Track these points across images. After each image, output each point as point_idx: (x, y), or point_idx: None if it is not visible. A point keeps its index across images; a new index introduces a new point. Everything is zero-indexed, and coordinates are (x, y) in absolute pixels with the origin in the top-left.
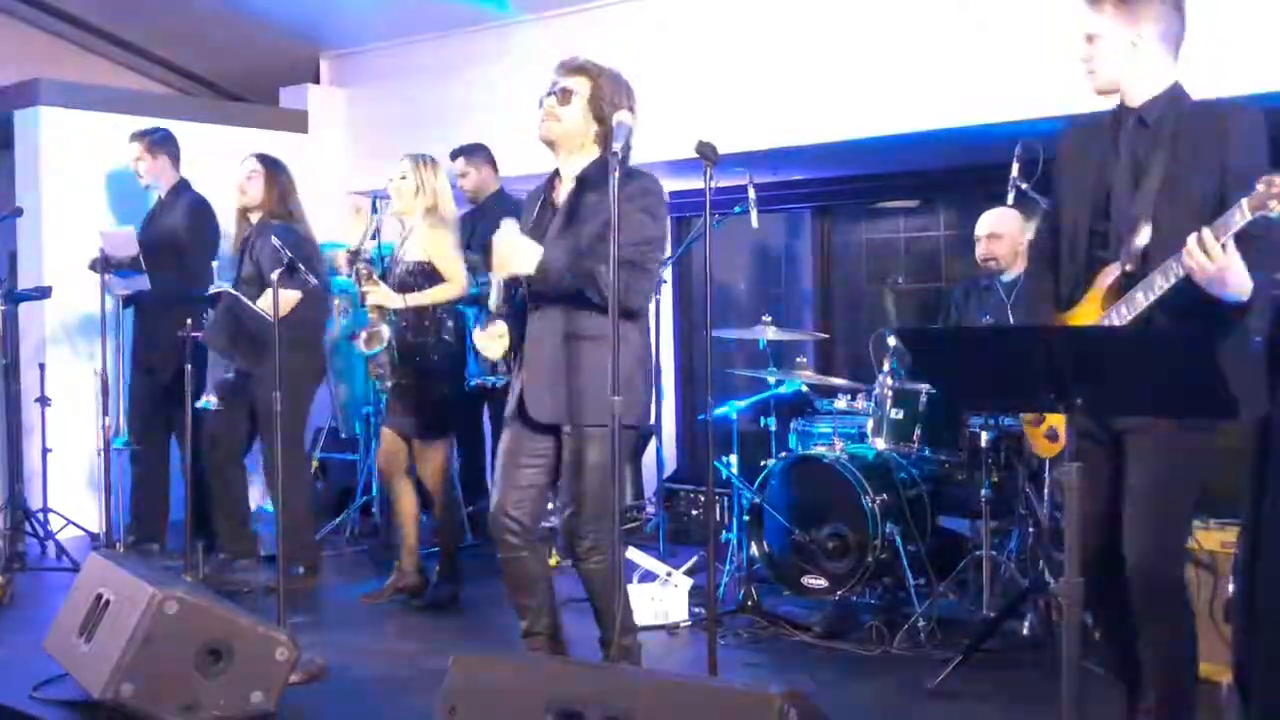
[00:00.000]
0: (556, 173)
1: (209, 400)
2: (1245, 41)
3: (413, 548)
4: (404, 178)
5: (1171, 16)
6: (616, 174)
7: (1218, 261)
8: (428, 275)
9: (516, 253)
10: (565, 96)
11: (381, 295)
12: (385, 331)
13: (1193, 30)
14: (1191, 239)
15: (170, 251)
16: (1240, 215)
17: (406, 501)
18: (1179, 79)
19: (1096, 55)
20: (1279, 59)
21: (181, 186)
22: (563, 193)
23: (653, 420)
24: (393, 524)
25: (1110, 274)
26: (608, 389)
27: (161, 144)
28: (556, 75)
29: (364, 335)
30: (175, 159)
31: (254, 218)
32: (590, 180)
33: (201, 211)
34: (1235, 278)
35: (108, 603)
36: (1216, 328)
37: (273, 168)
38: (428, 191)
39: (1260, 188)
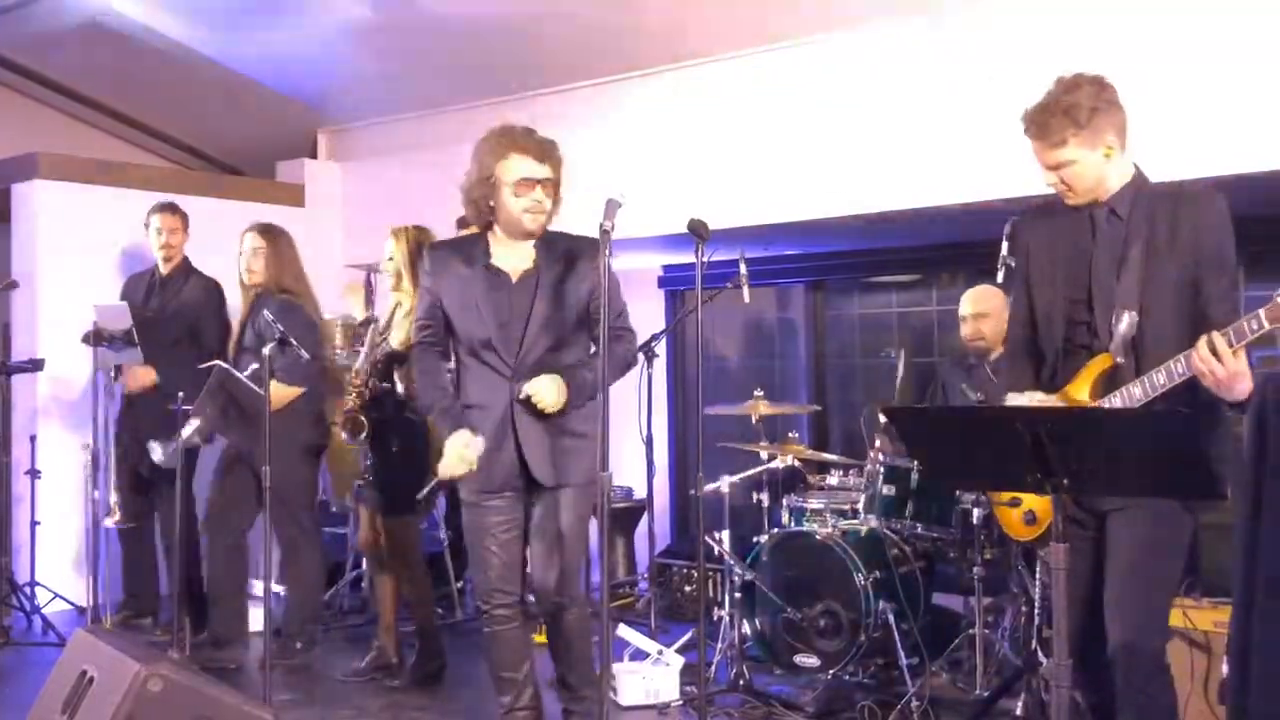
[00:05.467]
0: (486, 236)
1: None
2: (1203, 125)
3: (389, 625)
4: (390, 258)
5: (1121, 113)
6: (609, 251)
7: (1229, 367)
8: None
9: (558, 398)
10: (553, 190)
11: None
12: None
13: (1154, 114)
14: (1202, 344)
15: (187, 329)
16: (1257, 325)
17: (379, 582)
18: (1135, 161)
19: (1071, 178)
20: (1233, 143)
21: (189, 265)
22: (513, 261)
23: (645, 494)
24: (372, 602)
25: (1101, 364)
26: (590, 449)
27: (187, 223)
28: (536, 162)
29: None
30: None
31: (256, 290)
32: (555, 252)
33: (217, 291)
34: (1243, 382)
35: (91, 679)
36: (1200, 409)
37: (274, 241)
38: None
39: None
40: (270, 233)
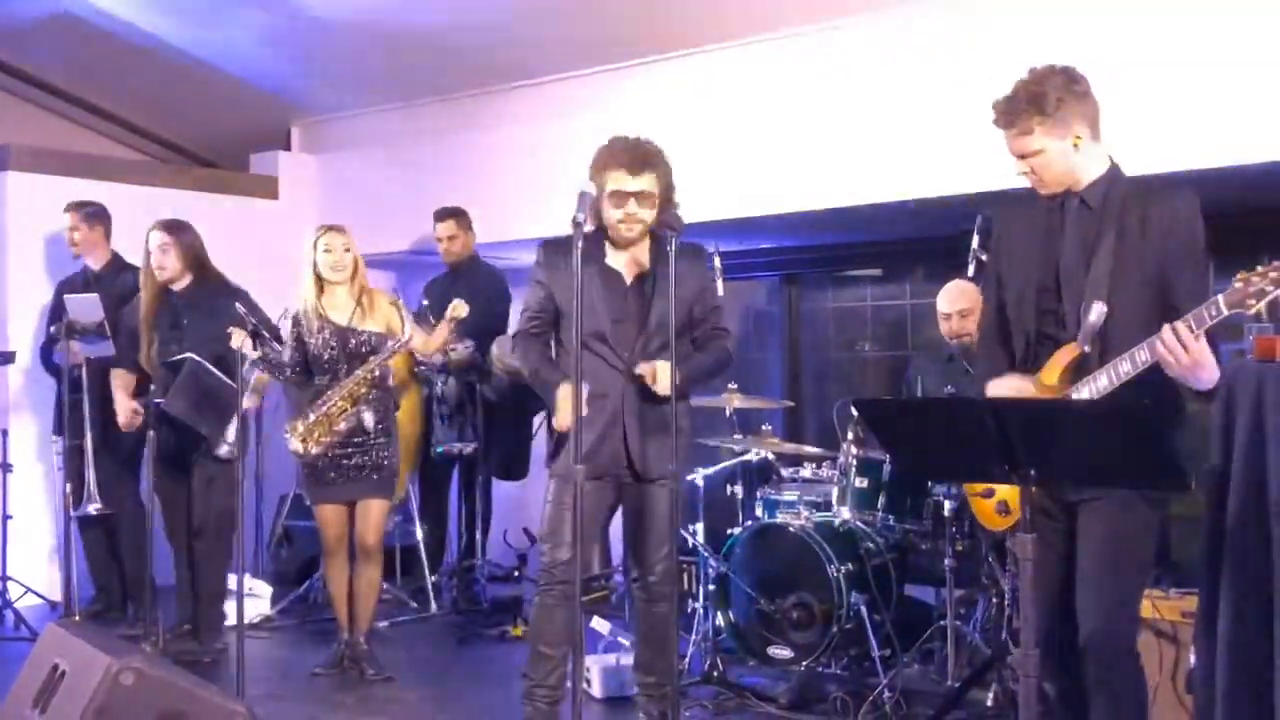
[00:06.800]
0: (601, 237)
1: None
2: (1175, 120)
3: (345, 623)
4: (347, 250)
5: (1092, 104)
6: (581, 244)
7: (1193, 355)
8: (377, 348)
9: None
10: (650, 201)
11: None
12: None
13: (1125, 109)
14: (1166, 331)
15: (121, 322)
16: (1216, 311)
17: (342, 580)
18: (1110, 154)
19: (1040, 167)
20: (1207, 137)
21: (119, 263)
22: (626, 262)
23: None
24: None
25: (1069, 353)
26: (686, 444)
27: (96, 217)
28: (629, 175)
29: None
30: (108, 233)
31: (178, 286)
32: (665, 255)
33: None
34: (1207, 370)
35: (63, 673)
36: (1166, 399)
37: (178, 233)
38: (359, 260)
39: (1238, 285)
40: (171, 228)
